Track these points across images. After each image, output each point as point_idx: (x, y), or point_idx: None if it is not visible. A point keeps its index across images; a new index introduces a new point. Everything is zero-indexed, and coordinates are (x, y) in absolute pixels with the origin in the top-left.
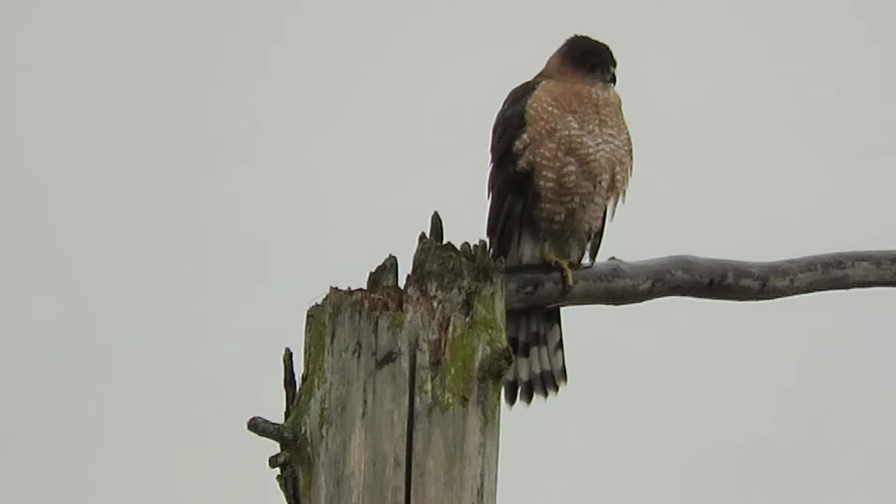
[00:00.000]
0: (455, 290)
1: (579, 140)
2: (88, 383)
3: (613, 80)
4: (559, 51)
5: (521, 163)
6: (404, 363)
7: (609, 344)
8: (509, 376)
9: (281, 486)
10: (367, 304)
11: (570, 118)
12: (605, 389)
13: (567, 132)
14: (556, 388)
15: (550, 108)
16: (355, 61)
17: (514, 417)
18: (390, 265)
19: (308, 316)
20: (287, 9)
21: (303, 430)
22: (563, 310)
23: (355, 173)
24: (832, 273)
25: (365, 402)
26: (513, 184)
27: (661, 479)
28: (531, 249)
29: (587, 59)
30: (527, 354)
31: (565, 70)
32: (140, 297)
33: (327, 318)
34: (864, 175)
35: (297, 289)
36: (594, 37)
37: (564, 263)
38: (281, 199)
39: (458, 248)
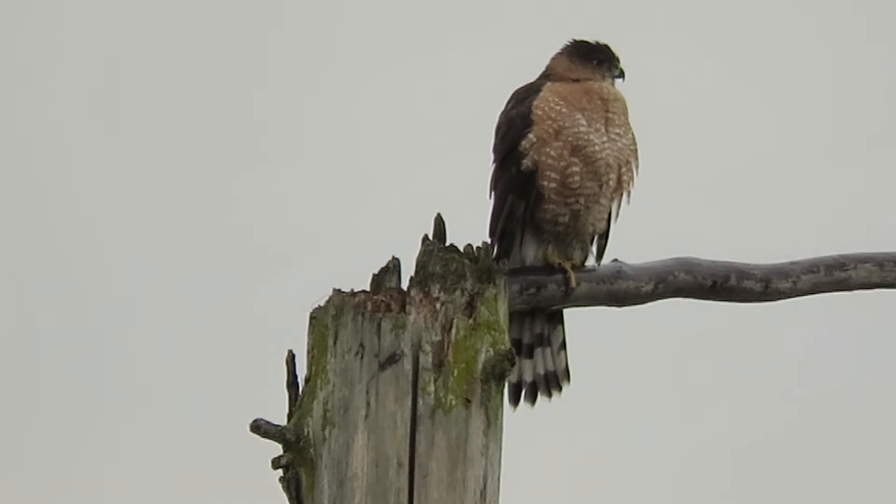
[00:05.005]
0: (458, 292)
1: (586, 138)
2: (89, 384)
3: (622, 74)
4: (563, 52)
5: (526, 162)
6: (407, 365)
7: (612, 345)
8: (513, 377)
9: (283, 487)
10: (369, 306)
11: (580, 116)
12: (608, 390)
13: (575, 129)
14: (560, 389)
15: (558, 108)
16: (356, 62)
17: (518, 419)
18: (393, 267)
19: (311, 318)
20: (288, 10)
21: (305, 432)
22: (566, 311)
23: (358, 175)
24: (835, 275)
25: (368, 403)
26: (515, 185)
27: (662, 480)
28: (534, 251)
29: (593, 55)
30: (531, 355)
31: (574, 67)
32: (142, 297)
33: (330, 319)
34: (867, 176)
35: (300, 290)
36: (592, 40)
37: (567, 265)
38: (284, 201)
39: (461, 249)
